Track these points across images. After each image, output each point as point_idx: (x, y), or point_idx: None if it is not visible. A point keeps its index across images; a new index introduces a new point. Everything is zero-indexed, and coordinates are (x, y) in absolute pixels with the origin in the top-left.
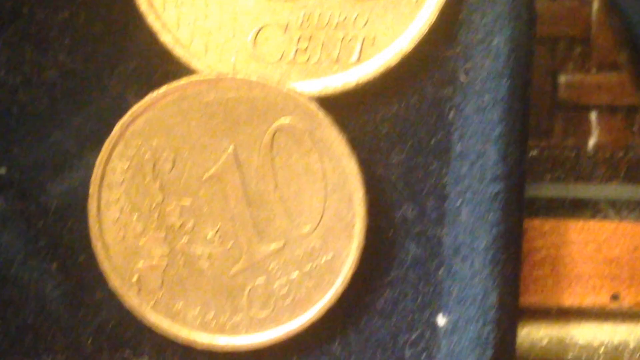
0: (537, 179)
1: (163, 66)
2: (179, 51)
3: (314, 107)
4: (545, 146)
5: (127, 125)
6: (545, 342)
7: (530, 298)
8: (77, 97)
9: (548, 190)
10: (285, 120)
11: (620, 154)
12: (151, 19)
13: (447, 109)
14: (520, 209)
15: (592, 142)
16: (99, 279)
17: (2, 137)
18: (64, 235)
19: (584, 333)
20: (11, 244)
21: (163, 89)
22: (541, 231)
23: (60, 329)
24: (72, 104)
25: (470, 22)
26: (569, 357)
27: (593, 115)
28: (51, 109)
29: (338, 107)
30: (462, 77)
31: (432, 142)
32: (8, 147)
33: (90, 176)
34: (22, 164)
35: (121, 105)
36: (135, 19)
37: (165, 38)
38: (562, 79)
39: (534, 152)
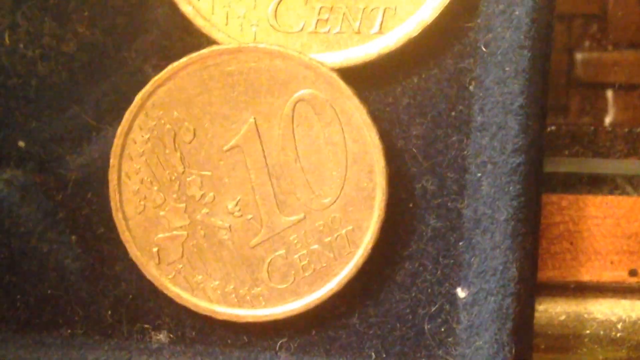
0: (556, 155)
1: (182, 38)
2: (200, 22)
3: (335, 77)
4: (563, 123)
5: (148, 96)
6: (563, 317)
7: (548, 273)
8: (96, 70)
9: (566, 165)
10: (306, 91)
11: (638, 130)
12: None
13: (467, 81)
14: (539, 182)
15: (608, 119)
16: (119, 251)
17: (21, 110)
18: (83, 207)
19: (601, 308)
20: (30, 216)
21: (184, 59)
22: (559, 206)
23: (80, 301)
24: (91, 76)
25: None
26: (587, 332)
27: (609, 93)
28: (70, 82)
29: (359, 78)
30: (483, 48)
31: (453, 114)
32: (27, 120)
33: (109, 149)
34: (41, 137)
35: (140, 78)
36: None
37: (186, 9)
38: (579, 56)
39: (551, 128)
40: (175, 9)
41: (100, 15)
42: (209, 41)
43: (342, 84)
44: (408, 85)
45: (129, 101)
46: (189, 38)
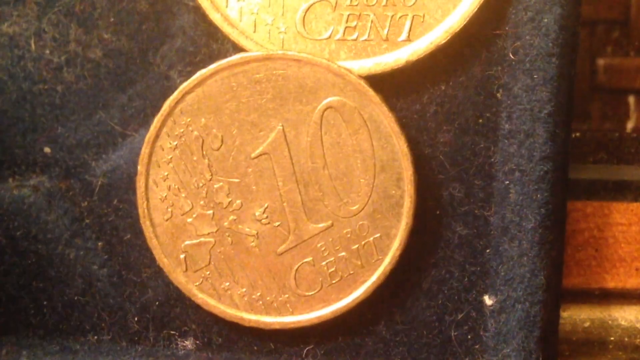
0: (580, 161)
1: (209, 44)
2: (227, 29)
3: (363, 85)
4: (586, 129)
5: (176, 103)
6: (587, 324)
7: (573, 280)
8: (121, 76)
9: (591, 172)
10: (334, 99)
11: None
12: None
13: (495, 88)
14: (565, 189)
15: (630, 125)
16: (146, 258)
17: (46, 116)
18: (110, 214)
19: (626, 315)
20: (57, 222)
21: (212, 66)
22: (584, 213)
23: (106, 307)
24: (117, 82)
25: (520, 0)
26: (611, 338)
27: (631, 99)
28: (96, 88)
29: (387, 85)
30: (511, 56)
31: (480, 121)
32: (52, 126)
33: (135, 155)
34: (66, 143)
35: (166, 84)
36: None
37: (214, 16)
38: (601, 62)
39: (576, 135)
40: (202, 15)
41: (126, 22)
42: (236, 48)
43: (370, 91)
44: (436, 92)
45: (155, 107)
46: (215, 45)
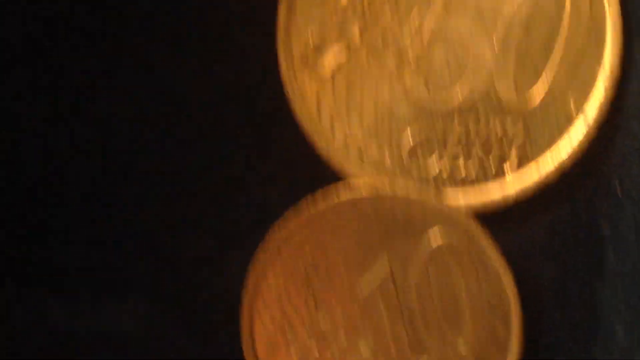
0: None
1: (309, 168)
2: (332, 159)
3: (471, 223)
4: None
5: (281, 237)
6: None
7: None
8: (219, 198)
9: None
10: (442, 237)
11: None
12: (306, 125)
13: (601, 223)
14: None
15: None
16: None
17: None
18: (213, 341)
19: None
20: (157, 350)
21: (319, 202)
22: None
23: None
24: (214, 204)
25: (628, 130)
26: None
27: None
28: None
29: (494, 221)
30: (619, 190)
31: (587, 258)
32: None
33: (234, 281)
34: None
35: (264, 207)
36: (285, 121)
37: (319, 144)
38: None
39: None
40: (305, 140)
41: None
42: (338, 176)
43: (478, 229)
44: (541, 227)
45: (254, 230)
46: (315, 169)
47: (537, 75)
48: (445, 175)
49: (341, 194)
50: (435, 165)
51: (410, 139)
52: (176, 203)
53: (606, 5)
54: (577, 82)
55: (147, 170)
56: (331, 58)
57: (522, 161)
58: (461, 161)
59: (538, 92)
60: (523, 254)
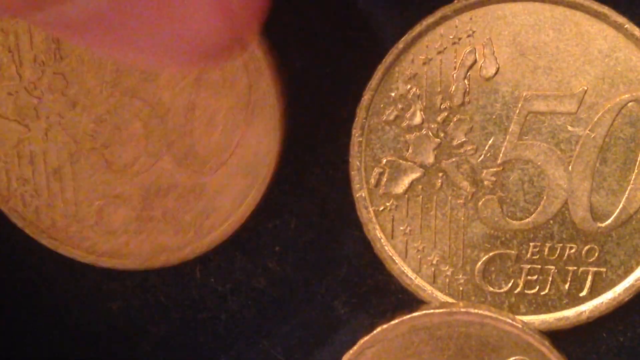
0: None
1: (374, 276)
2: (391, 264)
3: (547, 345)
4: None
5: (356, 357)
6: None
7: None
8: (285, 305)
9: None
10: (517, 357)
11: None
12: (378, 247)
13: None
14: None
15: None
16: None
17: (209, 344)
18: None
19: None
20: None
21: (394, 321)
22: None
23: None
24: (280, 311)
25: None
26: None
27: None
28: (259, 317)
29: (567, 340)
30: None
31: None
32: (215, 354)
33: None
34: None
35: (329, 314)
36: (351, 231)
37: (392, 268)
38: None
39: None
40: (368, 246)
41: (291, 250)
42: (405, 291)
43: (554, 352)
44: (615, 347)
45: (318, 337)
46: (380, 277)
47: (613, 198)
48: (519, 296)
49: (416, 314)
50: (509, 286)
51: (483, 254)
52: (247, 315)
53: None
54: None
55: None
56: (406, 179)
57: (597, 282)
58: (535, 282)
59: (613, 214)
60: None
